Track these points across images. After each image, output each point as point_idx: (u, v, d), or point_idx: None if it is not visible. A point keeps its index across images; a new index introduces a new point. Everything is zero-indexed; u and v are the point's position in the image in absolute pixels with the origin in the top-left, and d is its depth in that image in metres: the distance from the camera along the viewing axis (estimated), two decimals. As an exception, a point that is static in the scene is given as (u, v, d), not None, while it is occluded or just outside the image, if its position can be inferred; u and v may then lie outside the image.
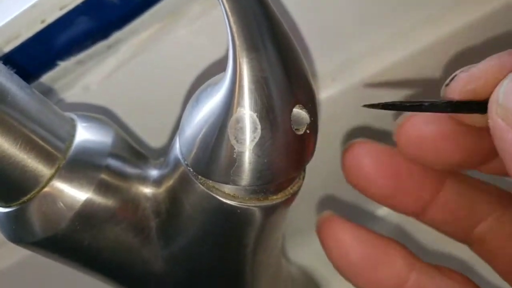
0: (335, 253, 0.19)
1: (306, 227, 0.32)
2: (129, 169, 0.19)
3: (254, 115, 0.15)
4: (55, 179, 0.17)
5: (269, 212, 0.18)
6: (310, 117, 0.16)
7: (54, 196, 0.17)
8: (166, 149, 0.19)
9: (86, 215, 0.18)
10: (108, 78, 0.24)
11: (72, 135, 0.18)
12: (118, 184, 0.19)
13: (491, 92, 0.15)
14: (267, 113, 0.15)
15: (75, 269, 0.20)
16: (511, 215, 0.19)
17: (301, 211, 0.28)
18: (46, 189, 0.17)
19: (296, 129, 0.16)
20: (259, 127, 0.15)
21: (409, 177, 0.19)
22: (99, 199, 0.18)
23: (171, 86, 0.23)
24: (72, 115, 0.20)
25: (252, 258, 0.20)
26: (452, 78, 0.16)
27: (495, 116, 0.14)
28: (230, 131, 0.15)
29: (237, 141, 0.15)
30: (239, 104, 0.15)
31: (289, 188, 0.18)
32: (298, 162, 0.17)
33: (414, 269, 0.18)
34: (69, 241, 0.18)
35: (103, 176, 0.18)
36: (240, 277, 0.21)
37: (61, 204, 0.17)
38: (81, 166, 0.18)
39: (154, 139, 0.24)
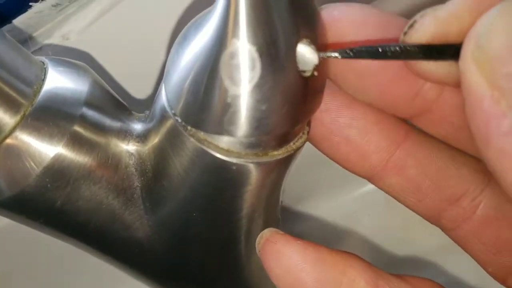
0: (284, 281, 0.15)
1: (303, 195, 0.30)
2: (109, 122, 0.17)
3: (253, 49, 0.12)
4: (19, 129, 0.15)
5: (268, 170, 0.15)
6: (319, 56, 0.13)
7: (19, 149, 0.15)
8: (151, 102, 0.17)
9: (57, 171, 0.15)
10: (89, 26, 0.21)
11: (41, 79, 0.16)
12: (95, 138, 0.16)
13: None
14: (269, 47, 0.13)
15: (50, 235, 0.18)
16: (492, 193, 0.17)
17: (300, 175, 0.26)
18: (8, 140, 0.15)
19: (302, 71, 0.14)
20: (258, 64, 0.13)
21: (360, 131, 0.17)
22: (72, 154, 0.16)
23: (156, 32, 0.21)
24: (43, 58, 0.17)
25: (247, 225, 0.18)
26: (411, 25, 0.13)
27: (469, 60, 0.11)
28: (223, 69, 0.13)
29: (231, 81, 0.13)
30: (234, 35, 0.12)
31: (291, 143, 0.16)
32: (303, 112, 0.15)
33: (378, 286, 0.15)
34: (38, 201, 0.16)
35: (77, 127, 0.16)
36: (233, 247, 0.19)
37: (28, 158, 0.15)
38: (50, 115, 0.15)
39: (139, 91, 0.22)
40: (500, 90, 0.10)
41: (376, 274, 0.15)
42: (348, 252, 0.16)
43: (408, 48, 0.13)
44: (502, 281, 0.17)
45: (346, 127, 0.16)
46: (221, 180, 0.16)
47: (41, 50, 0.22)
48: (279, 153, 0.15)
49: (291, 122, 0.14)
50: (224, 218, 0.17)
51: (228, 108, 0.13)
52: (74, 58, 0.18)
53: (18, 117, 0.15)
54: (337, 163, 0.18)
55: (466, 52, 0.11)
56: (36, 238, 0.21)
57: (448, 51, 0.12)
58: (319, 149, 0.18)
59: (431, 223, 0.18)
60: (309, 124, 0.16)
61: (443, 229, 0.17)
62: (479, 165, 0.17)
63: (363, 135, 0.16)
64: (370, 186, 0.30)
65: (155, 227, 0.18)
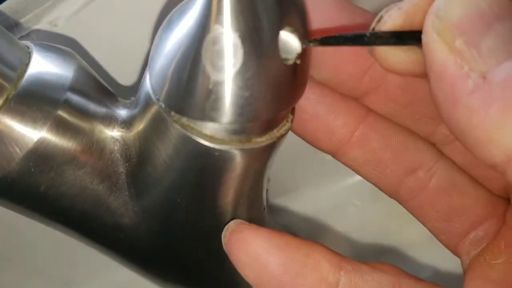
0: (251, 268, 0.16)
1: (290, 184, 0.30)
2: (94, 107, 0.17)
3: (235, 35, 0.12)
4: (2, 113, 0.15)
5: (252, 157, 0.16)
6: (302, 44, 0.14)
7: (2, 133, 0.15)
8: (137, 89, 0.17)
9: (41, 156, 0.15)
10: (77, 13, 0.21)
11: (25, 64, 0.16)
12: (79, 123, 0.16)
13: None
14: (251, 34, 0.13)
15: (35, 220, 0.18)
16: (445, 165, 0.18)
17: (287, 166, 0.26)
18: None
19: (284, 59, 0.14)
20: (240, 51, 0.13)
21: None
22: (56, 138, 0.16)
23: (142, 20, 0.21)
24: (28, 43, 0.17)
25: (231, 212, 0.18)
26: (379, 20, 0.14)
27: (430, 30, 0.12)
28: (205, 54, 0.13)
29: (213, 67, 0.13)
30: (217, 20, 0.12)
31: (275, 131, 0.16)
32: (286, 99, 0.15)
33: (342, 269, 0.15)
34: (22, 185, 0.16)
35: (61, 112, 0.16)
36: (218, 233, 0.19)
37: (11, 142, 0.15)
38: (34, 99, 0.15)
39: (125, 78, 0.22)
40: (461, 55, 0.11)
41: (338, 256, 0.16)
42: (312, 241, 0.16)
43: (381, 34, 0.13)
44: (453, 249, 0.18)
45: (316, 103, 0.17)
46: (205, 167, 0.16)
47: (28, 36, 0.21)
48: (262, 140, 0.15)
49: (274, 109, 0.14)
50: (208, 205, 0.17)
51: (211, 94, 0.13)
52: (61, 45, 0.18)
53: (0, 101, 0.15)
54: (304, 139, 0.18)
55: (427, 24, 0.12)
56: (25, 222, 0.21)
57: (415, 35, 0.13)
58: None
59: (390, 196, 0.19)
60: (293, 112, 0.17)
61: (401, 201, 0.19)
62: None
63: (330, 111, 0.17)
64: (357, 178, 0.31)
65: (140, 213, 0.18)
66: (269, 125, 0.15)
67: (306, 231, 0.30)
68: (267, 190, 0.20)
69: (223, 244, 0.17)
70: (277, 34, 0.13)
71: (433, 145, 0.18)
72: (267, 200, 0.21)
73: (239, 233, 0.16)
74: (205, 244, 0.19)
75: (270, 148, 0.16)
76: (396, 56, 0.14)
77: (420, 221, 0.18)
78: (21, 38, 0.22)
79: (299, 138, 0.18)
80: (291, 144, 0.18)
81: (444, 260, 0.29)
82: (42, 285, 0.30)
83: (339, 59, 0.16)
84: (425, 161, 0.18)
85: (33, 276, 0.30)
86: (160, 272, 0.21)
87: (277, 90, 0.14)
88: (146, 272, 0.21)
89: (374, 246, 0.31)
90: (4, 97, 0.15)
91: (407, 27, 0.13)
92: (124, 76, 0.22)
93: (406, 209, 0.19)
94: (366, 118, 0.17)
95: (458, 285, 0.16)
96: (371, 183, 0.19)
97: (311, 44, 0.14)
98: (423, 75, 0.13)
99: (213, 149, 0.15)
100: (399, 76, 0.16)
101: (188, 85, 0.14)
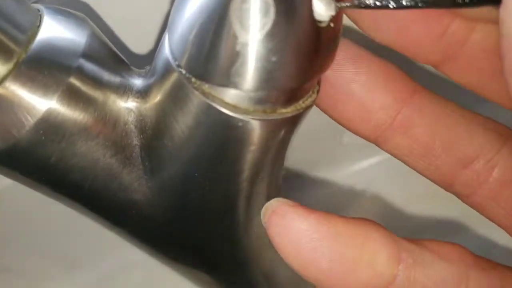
0: (295, 259, 0.14)
1: (321, 161, 0.29)
2: (107, 76, 0.16)
3: None
4: (12, 78, 0.14)
5: (275, 129, 0.15)
6: (337, 6, 0.13)
7: (12, 99, 0.14)
8: (152, 58, 0.16)
9: (52, 124, 0.15)
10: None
11: (36, 26, 0.15)
12: (92, 92, 0.15)
13: None
14: None
15: (45, 194, 0.17)
16: (508, 154, 0.16)
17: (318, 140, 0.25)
18: (0, 90, 0.14)
19: (318, 21, 0.13)
20: (272, 10, 0.12)
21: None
22: (68, 107, 0.15)
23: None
24: (39, 6, 0.16)
25: (249, 189, 0.17)
26: None
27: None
28: (233, 13, 0.12)
29: (241, 27, 0.12)
30: None
31: (301, 102, 0.15)
32: (316, 66, 0.14)
33: (401, 262, 0.13)
34: (32, 156, 0.15)
35: (73, 79, 0.15)
36: (233, 212, 0.18)
37: (21, 109, 0.14)
38: (45, 64, 0.14)
39: (139, 46, 0.21)
40: None
41: (397, 244, 0.14)
42: (365, 219, 0.14)
43: None
44: None
45: (350, 81, 0.15)
46: (226, 138, 0.15)
47: (39, 0, 0.20)
48: (287, 111, 0.14)
49: (303, 76, 0.14)
50: (226, 180, 0.16)
51: (237, 57, 0.12)
52: (73, 9, 0.17)
53: (10, 65, 0.14)
54: (339, 123, 0.17)
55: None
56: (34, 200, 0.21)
57: None
58: (320, 108, 0.16)
59: (446, 190, 0.17)
60: (319, 83, 0.16)
61: (459, 196, 0.16)
62: (493, 125, 0.16)
63: (367, 91, 0.15)
64: (373, 161, 0.30)
65: (154, 189, 0.17)
66: (295, 95, 0.14)
67: (337, 207, 0.29)
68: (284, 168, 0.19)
69: (263, 224, 0.15)
70: None
71: (495, 131, 0.16)
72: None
73: (281, 217, 0.14)
74: (220, 223, 0.19)
75: (294, 121, 0.15)
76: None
77: (486, 217, 0.16)
78: (32, 2, 0.21)
79: (313, 117, 0.17)
80: (305, 123, 0.16)
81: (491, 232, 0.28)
82: (47, 265, 0.30)
83: (405, 17, 0.14)
84: (483, 151, 0.16)
85: (38, 257, 0.30)
86: (171, 252, 0.21)
87: (307, 56, 0.13)
88: (156, 251, 0.21)
89: (411, 222, 0.30)
90: (14, 60, 0.14)
91: None
92: (138, 45, 0.21)
93: (468, 205, 0.17)
94: (410, 100, 0.15)
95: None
96: (424, 176, 0.17)
97: (347, 7, 0.13)
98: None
99: (236, 119, 0.14)
100: (488, 35, 0.13)
101: (212, 48, 0.13)
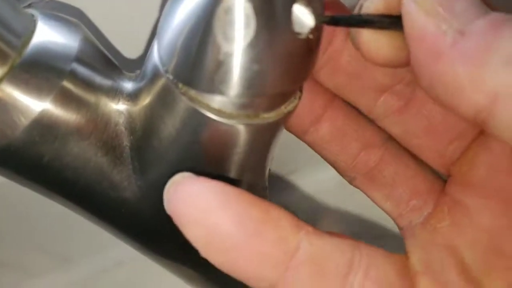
0: (200, 227, 0.13)
1: (290, 164, 0.30)
2: (99, 80, 0.17)
3: (249, 6, 0.12)
4: (7, 80, 0.15)
5: (258, 132, 0.15)
6: (315, 19, 0.13)
7: (7, 101, 0.15)
8: (142, 62, 0.17)
9: (45, 125, 0.15)
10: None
11: (30, 31, 0.16)
12: (84, 95, 0.16)
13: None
14: (265, 5, 0.12)
15: (37, 192, 0.18)
16: (391, 145, 0.19)
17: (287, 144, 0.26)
18: None
19: (297, 33, 0.13)
20: (253, 22, 0.12)
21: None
22: (61, 109, 0.15)
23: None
24: (33, 11, 0.17)
25: None
26: (361, 6, 0.14)
27: (408, 1, 0.13)
28: (217, 24, 0.13)
29: (224, 38, 0.13)
30: None
31: (283, 107, 0.16)
32: (296, 74, 0.14)
33: (302, 229, 0.14)
34: (26, 155, 0.16)
35: (66, 83, 0.15)
36: None
37: (16, 111, 0.15)
38: (39, 68, 0.15)
39: (130, 51, 0.21)
40: (438, 17, 0.12)
41: (297, 218, 0.14)
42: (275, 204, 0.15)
43: (382, 18, 0.14)
44: (396, 217, 0.19)
45: None
46: (211, 141, 0.15)
47: (32, 5, 0.21)
48: (270, 116, 0.15)
49: (284, 84, 0.14)
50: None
51: (220, 66, 0.13)
52: (66, 15, 0.17)
53: (5, 69, 0.15)
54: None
55: None
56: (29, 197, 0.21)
57: (397, 19, 0.13)
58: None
59: (343, 172, 0.20)
60: (301, 89, 0.16)
61: (355, 175, 0.20)
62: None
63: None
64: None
65: (144, 188, 0.18)
66: (277, 101, 0.15)
67: (306, 211, 0.30)
68: (269, 169, 0.20)
69: (165, 204, 0.14)
70: (290, 7, 0.13)
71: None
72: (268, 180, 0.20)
73: (183, 185, 0.13)
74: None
75: (277, 125, 0.16)
76: (380, 43, 0.14)
77: (366, 193, 0.20)
78: (25, 7, 0.21)
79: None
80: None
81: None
82: (42, 260, 0.30)
83: None
84: (376, 140, 0.19)
85: (32, 251, 0.30)
86: (160, 249, 0.21)
87: (287, 65, 0.14)
88: (146, 248, 0.21)
89: (374, 228, 0.31)
90: (9, 64, 0.15)
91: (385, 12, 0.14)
92: (129, 49, 0.22)
93: (356, 186, 0.20)
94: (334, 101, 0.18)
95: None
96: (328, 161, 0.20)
97: (324, 21, 0.13)
98: (404, 63, 0.14)
99: (220, 123, 0.15)
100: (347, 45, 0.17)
101: (197, 56, 0.13)
